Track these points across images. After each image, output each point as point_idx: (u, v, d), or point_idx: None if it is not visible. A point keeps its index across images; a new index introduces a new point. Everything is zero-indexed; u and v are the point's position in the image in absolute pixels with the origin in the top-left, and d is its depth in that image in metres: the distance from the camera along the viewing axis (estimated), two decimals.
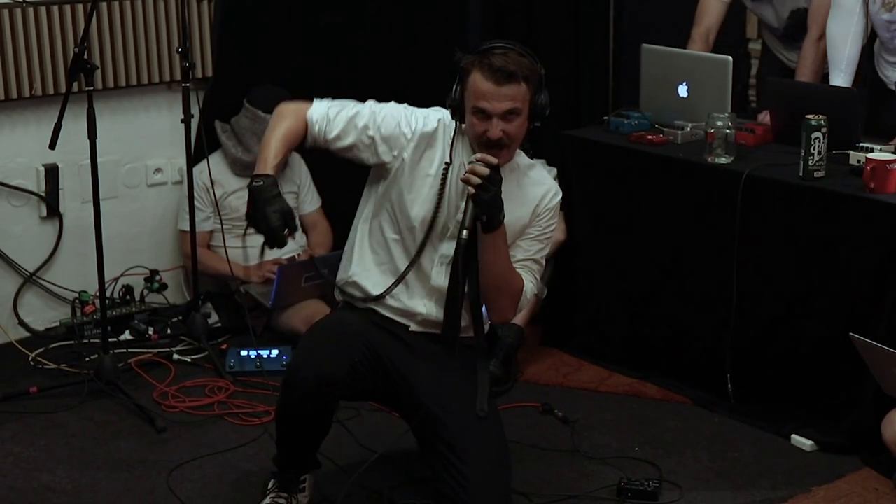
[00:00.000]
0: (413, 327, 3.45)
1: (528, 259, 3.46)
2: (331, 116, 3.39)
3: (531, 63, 3.30)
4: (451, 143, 3.39)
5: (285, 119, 3.42)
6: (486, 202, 3.21)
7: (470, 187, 3.19)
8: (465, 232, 3.24)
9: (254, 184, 3.30)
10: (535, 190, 3.46)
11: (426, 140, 3.39)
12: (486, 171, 3.18)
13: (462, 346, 3.46)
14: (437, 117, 3.42)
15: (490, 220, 3.26)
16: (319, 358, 3.26)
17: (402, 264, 3.43)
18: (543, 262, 3.51)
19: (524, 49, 3.31)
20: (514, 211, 3.39)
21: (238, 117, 4.87)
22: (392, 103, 3.45)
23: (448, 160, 3.37)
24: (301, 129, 3.41)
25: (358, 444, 3.90)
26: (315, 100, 3.43)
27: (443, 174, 3.37)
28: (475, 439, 3.38)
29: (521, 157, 3.49)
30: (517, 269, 3.42)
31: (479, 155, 3.23)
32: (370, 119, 3.38)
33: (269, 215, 3.28)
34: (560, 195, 3.51)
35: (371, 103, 3.43)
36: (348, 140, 3.38)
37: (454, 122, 3.38)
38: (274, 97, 4.77)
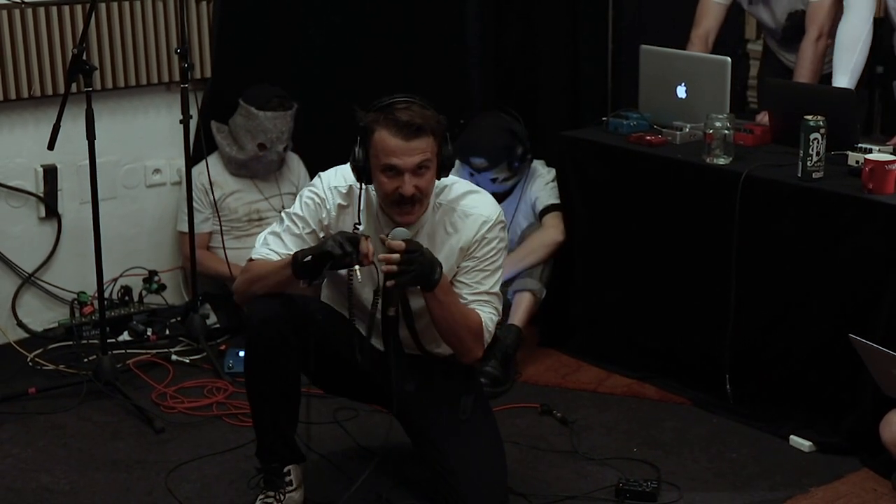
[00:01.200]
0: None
1: (477, 293, 3.40)
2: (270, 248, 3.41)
3: (434, 115, 3.26)
4: (358, 206, 3.36)
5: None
6: (405, 283, 3.20)
7: (389, 280, 3.19)
8: (391, 310, 3.27)
9: (303, 260, 3.28)
10: (467, 223, 3.40)
11: (341, 208, 3.40)
12: (397, 256, 3.16)
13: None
14: (345, 182, 3.39)
15: (424, 286, 3.25)
16: (277, 302, 3.31)
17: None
18: (496, 290, 3.43)
19: (423, 101, 3.28)
20: (452, 252, 3.39)
21: (234, 116, 4.87)
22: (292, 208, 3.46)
23: (357, 222, 3.34)
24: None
25: (356, 444, 3.90)
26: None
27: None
28: (464, 441, 3.43)
29: (452, 189, 3.43)
30: (471, 306, 3.38)
31: (381, 256, 3.19)
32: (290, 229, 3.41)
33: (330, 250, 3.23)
34: (496, 221, 3.42)
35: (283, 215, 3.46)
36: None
37: (360, 185, 3.33)
38: (268, 94, 4.81)
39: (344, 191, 3.40)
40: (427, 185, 3.28)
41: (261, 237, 3.47)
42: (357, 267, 3.20)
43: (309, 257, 3.24)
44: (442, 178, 3.37)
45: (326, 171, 3.47)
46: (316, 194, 3.41)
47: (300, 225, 3.40)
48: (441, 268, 3.25)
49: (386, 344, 3.40)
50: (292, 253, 3.32)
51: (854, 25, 4.35)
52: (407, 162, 3.21)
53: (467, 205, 3.42)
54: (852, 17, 4.36)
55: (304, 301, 3.42)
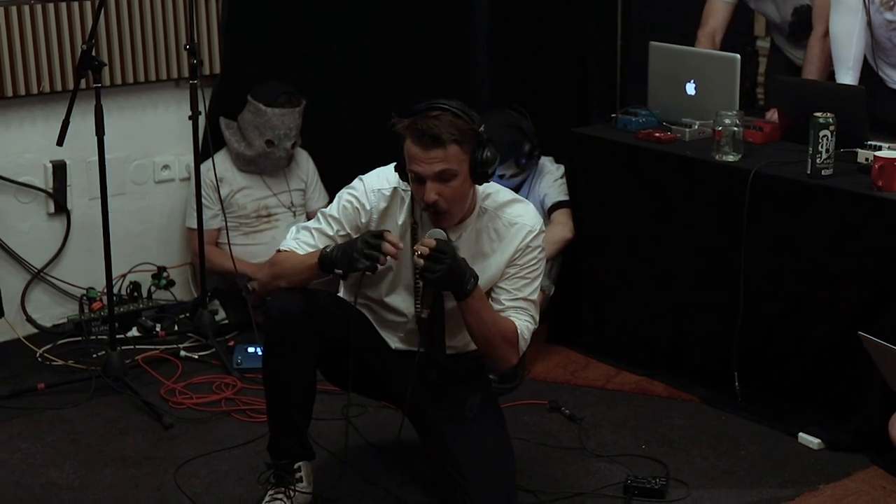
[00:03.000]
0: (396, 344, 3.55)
1: (515, 299, 3.44)
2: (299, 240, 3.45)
3: (465, 124, 3.25)
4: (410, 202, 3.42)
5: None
6: (432, 281, 3.23)
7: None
8: (425, 312, 3.31)
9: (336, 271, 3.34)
10: (511, 232, 3.44)
11: (385, 211, 3.43)
12: (426, 250, 3.19)
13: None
14: (388, 184, 3.43)
15: (455, 293, 3.29)
16: (298, 296, 3.34)
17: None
18: (534, 297, 3.47)
19: (461, 108, 3.27)
20: (493, 260, 3.42)
21: (242, 113, 4.87)
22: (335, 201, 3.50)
23: (413, 219, 3.42)
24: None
25: (364, 441, 3.91)
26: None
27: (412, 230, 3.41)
28: (471, 440, 3.44)
29: (495, 196, 3.45)
30: (507, 312, 3.42)
31: (420, 243, 3.25)
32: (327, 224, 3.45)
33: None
34: (540, 232, 3.47)
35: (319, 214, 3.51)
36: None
37: (403, 185, 3.40)
38: (276, 91, 4.81)
39: (388, 193, 3.43)
40: (454, 193, 3.28)
41: (293, 229, 3.51)
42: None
43: (339, 270, 3.30)
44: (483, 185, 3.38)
45: (368, 174, 3.49)
46: (356, 198, 3.44)
47: (335, 227, 3.43)
48: (476, 279, 3.28)
49: (423, 338, 3.43)
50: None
51: (843, 17, 4.33)
52: (426, 170, 3.24)
53: (512, 213, 3.45)
54: (840, 8, 4.34)
55: (324, 296, 3.43)
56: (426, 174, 3.24)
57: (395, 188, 3.43)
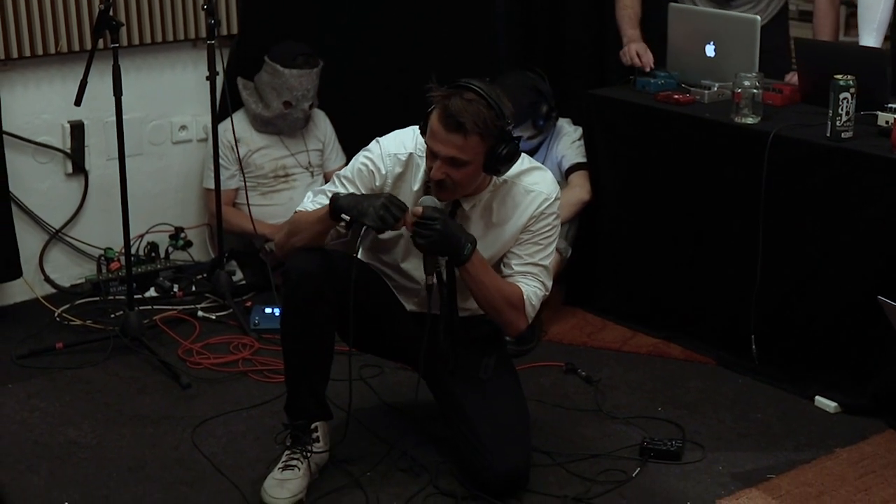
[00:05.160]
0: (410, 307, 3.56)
1: (525, 264, 3.44)
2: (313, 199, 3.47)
3: (493, 117, 3.21)
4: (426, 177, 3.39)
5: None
6: (424, 247, 3.24)
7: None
8: (429, 278, 3.30)
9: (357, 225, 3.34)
10: (527, 200, 3.43)
11: (400, 176, 3.42)
12: (418, 211, 3.22)
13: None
14: (404, 149, 3.42)
15: (452, 258, 3.30)
16: (317, 256, 3.36)
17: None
18: (546, 263, 3.47)
19: (496, 100, 3.23)
20: (508, 228, 3.42)
21: (259, 73, 4.86)
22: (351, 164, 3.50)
23: (416, 187, 3.41)
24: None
25: (381, 402, 3.92)
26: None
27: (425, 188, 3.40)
28: (486, 401, 3.46)
29: (514, 165, 3.39)
30: (516, 277, 3.42)
31: (410, 210, 3.25)
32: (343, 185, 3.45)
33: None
34: (556, 199, 3.46)
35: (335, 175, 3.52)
36: None
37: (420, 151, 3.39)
38: (293, 51, 4.79)
39: (403, 158, 3.42)
40: (462, 177, 3.27)
41: (309, 193, 3.52)
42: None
43: (348, 218, 3.29)
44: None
45: (385, 137, 3.48)
46: (371, 160, 3.44)
47: (350, 188, 3.43)
48: (473, 244, 3.28)
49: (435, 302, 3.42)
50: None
51: None
52: (441, 150, 3.23)
53: (529, 181, 3.45)
54: None
55: (342, 256, 3.43)
56: (440, 153, 3.23)
57: (410, 153, 3.42)
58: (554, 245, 3.50)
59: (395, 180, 3.42)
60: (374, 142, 3.48)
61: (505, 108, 3.26)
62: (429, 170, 3.30)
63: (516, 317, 3.42)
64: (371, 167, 3.43)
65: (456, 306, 3.48)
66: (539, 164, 3.54)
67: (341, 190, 3.43)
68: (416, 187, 3.40)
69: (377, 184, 3.42)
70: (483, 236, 3.40)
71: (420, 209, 3.24)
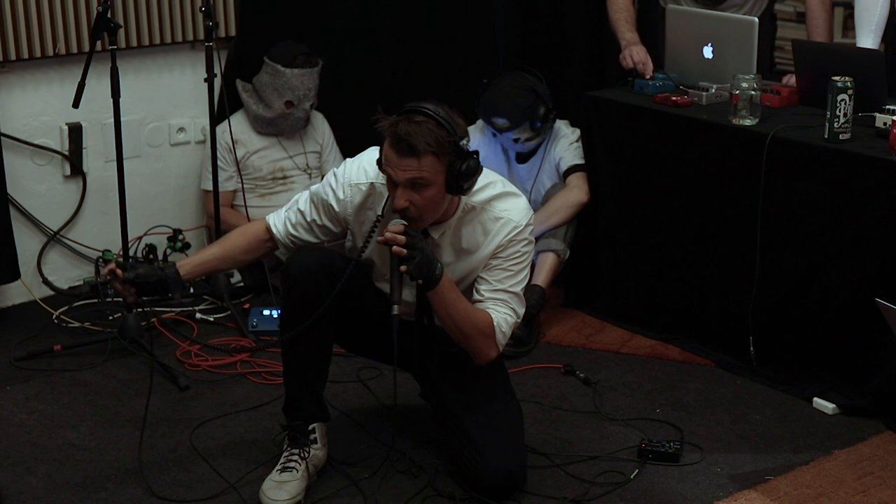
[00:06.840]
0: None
1: (495, 290, 3.36)
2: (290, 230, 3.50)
3: (446, 135, 3.16)
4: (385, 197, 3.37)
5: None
6: (409, 270, 3.18)
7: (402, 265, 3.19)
8: (395, 308, 3.22)
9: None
10: (496, 227, 3.36)
11: (360, 205, 3.42)
12: (402, 239, 3.16)
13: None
14: (366, 178, 3.41)
15: (425, 281, 3.24)
16: (317, 255, 3.36)
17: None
18: (517, 290, 3.38)
19: (446, 117, 3.18)
20: (477, 255, 3.37)
21: (259, 74, 4.86)
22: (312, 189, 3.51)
23: (380, 214, 3.36)
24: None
25: (379, 403, 3.92)
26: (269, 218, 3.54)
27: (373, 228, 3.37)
28: (477, 403, 3.45)
29: (488, 190, 3.37)
30: (486, 304, 3.35)
31: (388, 229, 3.20)
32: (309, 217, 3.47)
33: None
34: (527, 226, 3.38)
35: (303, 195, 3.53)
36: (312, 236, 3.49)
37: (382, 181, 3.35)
38: (293, 51, 4.80)
39: (364, 188, 3.40)
40: (425, 202, 3.21)
41: (284, 207, 3.54)
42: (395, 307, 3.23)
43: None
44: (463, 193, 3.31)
45: (353, 161, 3.45)
46: (332, 190, 3.43)
47: (313, 215, 3.46)
48: (441, 266, 3.24)
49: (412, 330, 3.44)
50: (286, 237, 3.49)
51: None
52: (399, 175, 3.18)
53: (500, 207, 3.38)
54: None
55: (341, 257, 3.42)
56: (398, 180, 3.18)
57: (372, 183, 3.39)
58: (526, 272, 3.42)
59: (355, 210, 3.41)
60: (342, 164, 3.46)
61: (456, 125, 3.21)
62: (392, 201, 3.25)
63: (486, 344, 3.35)
64: (332, 198, 3.42)
65: (432, 317, 3.45)
66: (514, 190, 3.45)
67: (308, 213, 3.45)
68: (379, 212, 3.36)
69: (337, 210, 3.42)
70: (453, 262, 3.37)
71: (401, 226, 3.18)
